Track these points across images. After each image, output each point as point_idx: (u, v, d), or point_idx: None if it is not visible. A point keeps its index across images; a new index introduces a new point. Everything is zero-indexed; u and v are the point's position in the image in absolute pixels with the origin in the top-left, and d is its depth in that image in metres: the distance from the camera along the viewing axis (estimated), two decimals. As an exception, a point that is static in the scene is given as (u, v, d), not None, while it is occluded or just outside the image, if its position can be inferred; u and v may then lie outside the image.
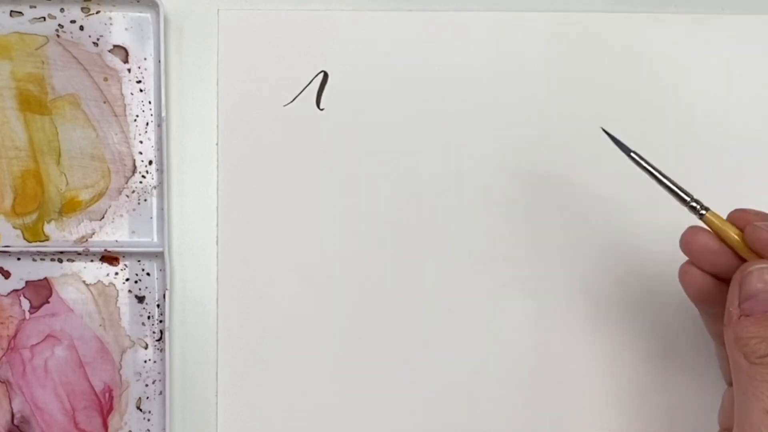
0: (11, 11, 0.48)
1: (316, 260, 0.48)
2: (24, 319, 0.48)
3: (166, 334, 0.47)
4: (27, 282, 0.48)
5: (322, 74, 0.49)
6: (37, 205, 0.48)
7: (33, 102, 0.48)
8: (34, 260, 0.48)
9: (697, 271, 0.41)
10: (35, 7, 0.48)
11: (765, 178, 0.49)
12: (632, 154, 0.41)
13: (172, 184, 0.49)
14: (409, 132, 0.49)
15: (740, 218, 0.40)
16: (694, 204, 0.40)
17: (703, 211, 0.40)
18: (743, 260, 0.40)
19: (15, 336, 0.48)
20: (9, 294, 0.48)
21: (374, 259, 0.49)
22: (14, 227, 0.48)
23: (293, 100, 0.49)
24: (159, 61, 0.48)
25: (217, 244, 0.48)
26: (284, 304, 0.48)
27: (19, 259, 0.48)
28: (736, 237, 0.40)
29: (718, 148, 0.50)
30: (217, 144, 0.49)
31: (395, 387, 0.48)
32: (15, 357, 0.48)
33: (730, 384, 0.43)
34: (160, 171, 0.48)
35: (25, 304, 0.48)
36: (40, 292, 0.48)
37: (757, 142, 0.50)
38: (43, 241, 0.48)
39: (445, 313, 0.49)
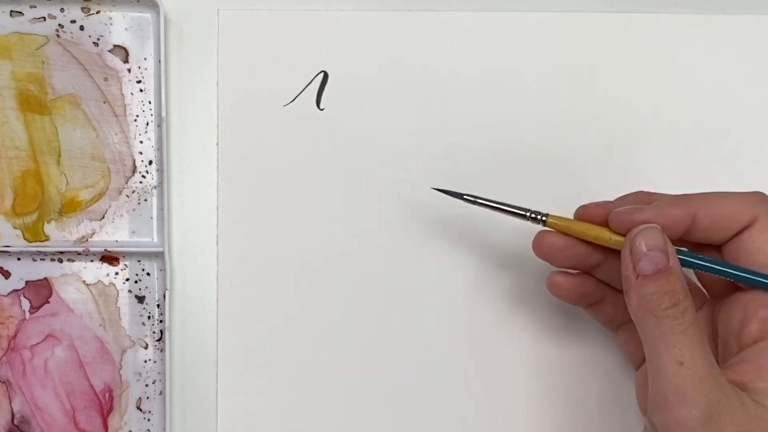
0: (11, 11, 0.48)
1: (316, 260, 0.48)
2: (24, 319, 0.48)
3: (166, 334, 0.47)
4: (27, 282, 0.48)
5: (322, 74, 0.49)
6: (37, 205, 0.48)
7: (33, 102, 0.48)
8: (34, 260, 0.48)
9: (560, 277, 0.44)
10: (35, 7, 0.48)
11: (765, 177, 0.49)
12: (465, 196, 0.44)
13: (172, 184, 0.49)
14: (409, 132, 0.49)
15: (583, 213, 0.43)
16: (534, 215, 0.43)
17: (544, 218, 0.43)
18: (592, 245, 0.42)
19: (15, 336, 0.48)
20: (9, 294, 0.48)
21: (374, 259, 0.49)
22: (14, 227, 0.48)
23: (293, 100, 0.49)
24: (159, 61, 0.48)
25: (217, 244, 0.48)
26: (284, 304, 0.48)
27: (19, 259, 0.48)
28: (579, 228, 0.42)
29: (717, 148, 0.50)
30: (217, 144, 0.49)
31: (395, 387, 0.48)
32: (15, 357, 0.48)
33: (636, 367, 0.45)
34: (160, 171, 0.48)
35: (25, 304, 0.48)
36: (40, 292, 0.48)
37: (757, 141, 0.50)
38: (43, 241, 0.48)
39: (446, 314, 0.49)
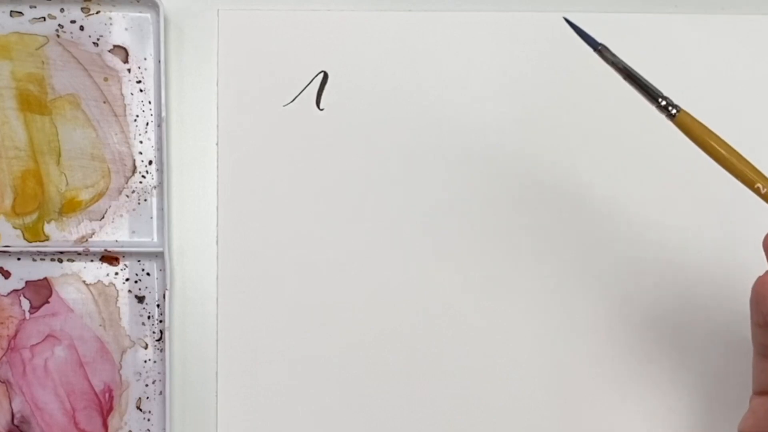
0: (11, 11, 0.48)
1: (316, 260, 0.48)
2: (24, 319, 0.48)
3: (166, 334, 0.47)
4: (27, 282, 0.48)
5: (322, 74, 0.49)
6: (37, 205, 0.48)
7: (33, 102, 0.48)
8: (34, 260, 0.48)
9: None
10: (35, 7, 0.48)
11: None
12: (599, 48, 0.38)
13: (172, 184, 0.49)
14: (409, 132, 0.49)
15: None
16: (664, 103, 0.36)
17: (674, 111, 0.36)
18: None
19: (15, 336, 0.48)
20: (9, 294, 0.48)
21: (374, 259, 0.49)
22: (14, 227, 0.48)
23: (293, 100, 0.49)
24: (159, 61, 0.48)
25: (217, 244, 0.48)
26: (284, 304, 0.48)
27: (19, 259, 0.48)
28: (717, 147, 0.36)
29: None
30: (217, 144, 0.49)
31: (395, 387, 0.48)
32: (15, 357, 0.48)
33: (759, 393, 0.42)
34: (160, 171, 0.48)
35: (25, 304, 0.48)
36: (40, 292, 0.48)
37: (757, 142, 0.50)
38: (43, 241, 0.48)
39: (446, 312, 0.49)
